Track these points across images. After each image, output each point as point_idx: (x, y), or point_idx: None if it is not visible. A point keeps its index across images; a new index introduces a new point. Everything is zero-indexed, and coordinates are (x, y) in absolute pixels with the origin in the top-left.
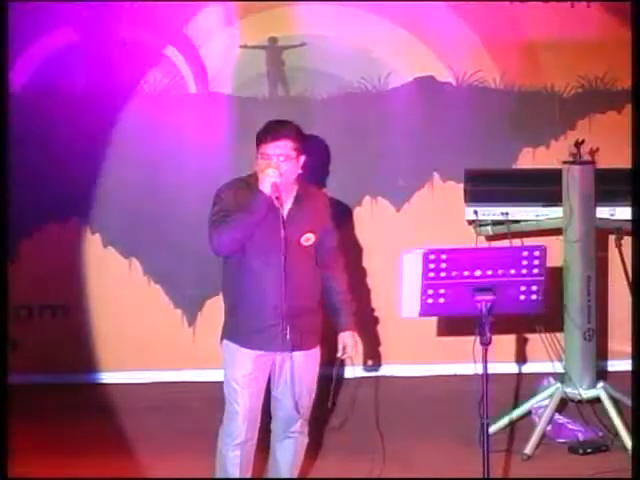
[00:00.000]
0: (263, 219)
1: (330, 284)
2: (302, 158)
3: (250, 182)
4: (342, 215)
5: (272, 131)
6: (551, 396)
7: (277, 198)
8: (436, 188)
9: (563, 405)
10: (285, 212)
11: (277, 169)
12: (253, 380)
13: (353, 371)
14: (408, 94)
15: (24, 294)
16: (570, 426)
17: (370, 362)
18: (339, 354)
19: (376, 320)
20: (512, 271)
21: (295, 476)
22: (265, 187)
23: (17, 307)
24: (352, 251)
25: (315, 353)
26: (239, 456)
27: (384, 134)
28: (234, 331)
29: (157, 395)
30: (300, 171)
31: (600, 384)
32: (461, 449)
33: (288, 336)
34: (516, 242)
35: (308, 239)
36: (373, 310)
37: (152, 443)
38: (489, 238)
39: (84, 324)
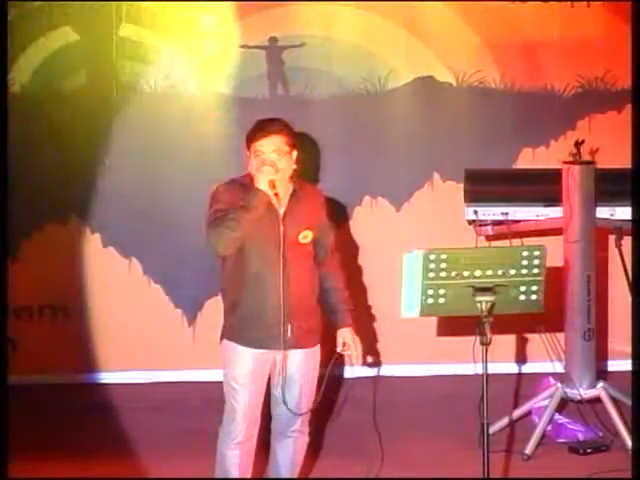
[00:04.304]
0: (261, 217)
1: (328, 282)
2: (295, 153)
3: (245, 182)
4: (339, 214)
5: (264, 128)
6: (551, 396)
7: (275, 195)
8: (436, 188)
9: (563, 405)
10: (282, 210)
11: (273, 166)
12: (253, 379)
13: (352, 371)
14: (408, 94)
15: (24, 294)
16: (570, 426)
17: (370, 359)
18: (338, 349)
19: (376, 320)
20: (512, 271)
21: (295, 476)
22: (262, 184)
23: (17, 307)
24: (352, 251)
25: (315, 352)
26: (239, 455)
27: (384, 134)
28: (234, 330)
29: (157, 395)
30: (294, 166)
31: (600, 384)
32: (461, 449)
33: (289, 334)
34: (516, 242)
35: (306, 236)
36: (372, 309)
37: (152, 443)
38: (489, 238)
39: (84, 324)
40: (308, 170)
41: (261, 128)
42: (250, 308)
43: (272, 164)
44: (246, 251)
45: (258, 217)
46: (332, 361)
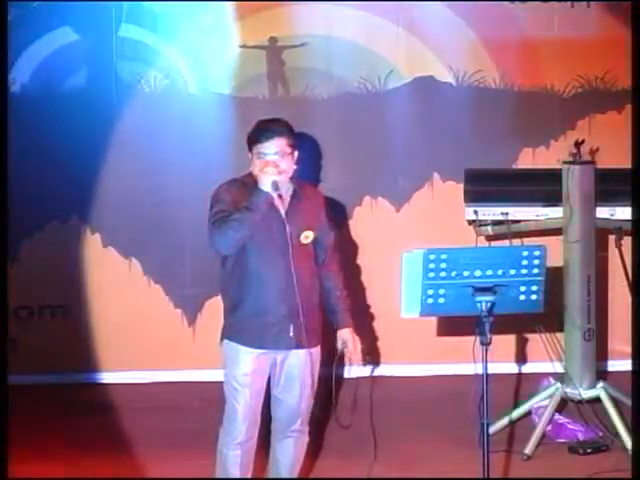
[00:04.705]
0: (263, 217)
1: (327, 282)
2: (296, 153)
3: (247, 182)
4: (339, 214)
5: (266, 130)
6: (551, 396)
7: (279, 196)
8: (436, 188)
9: (563, 405)
10: (283, 210)
11: (276, 167)
12: (253, 379)
13: (352, 371)
14: (408, 94)
15: (24, 294)
16: (570, 426)
17: (368, 358)
18: (339, 349)
19: (376, 320)
20: (512, 271)
21: (295, 476)
22: (266, 186)
23: (17, 307)
24: (352, 251)
25: (316, 352)
26: (239, 455)
27: (384, 134)
28: (235, 330)
29: (157, 395)
30: (295, 166)
31: (600, 384)
32: (461, 449)
33: (291, 334)
34: (516, 242)
35: (307, 237)
36: (372, 309)
37: (152, 443)
38: (489, 238)
39: (84, 324)
40: (308, 170)
41: (263, 130)
42: (252, 308)
43: (275, 165)
44: (247, 251)
45: (262, 217)
46: (335, 362)
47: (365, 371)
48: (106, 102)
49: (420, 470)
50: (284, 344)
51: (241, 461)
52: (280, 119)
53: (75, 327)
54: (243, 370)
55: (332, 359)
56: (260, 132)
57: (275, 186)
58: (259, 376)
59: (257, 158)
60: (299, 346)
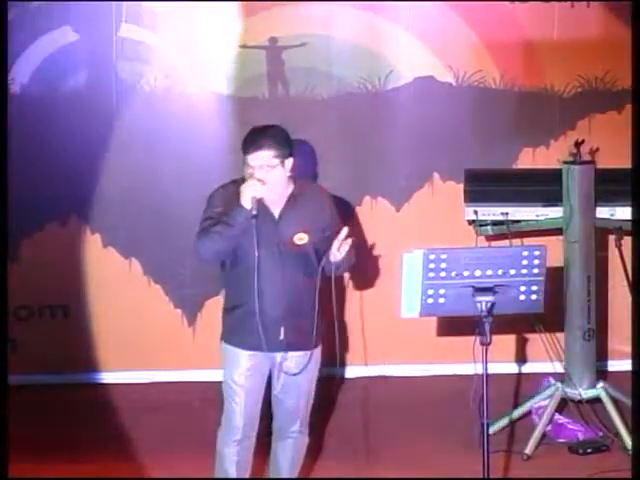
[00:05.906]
0: (257, 221)
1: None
2: (289, 161)
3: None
4: (344, 213)
5: (252, 141)
6: (551, 396)
7: (255, 216)
8: (436, 188)
9: (563, 405)
10: (277, 213)
11: (259, 180)
12: (250, 378)
13: (353, 371)
14: (408, 94)
15: (24, 294)
16: (570, 426)
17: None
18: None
19: (376, 320)
20: (512, 271)
21: (295, 476)
22: (246, 202)
23: (17, 307)
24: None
25: (313, 353)
26: (236, 454)
27: (384, 134)
28: (230, 331)
29: (157, 395)
30: (289, 174)
31: (600, 384)
32: (461, 449)
33: (282, 337)
34: (516, 242)
35: (301, 238)
36: (373, 309)
37: (152, 443)
38: (489, 238)
39: (84, 324)
40: (308, 170)
41: (250, 141)
42: (244, 310)
43: (258, 179)
44: (242, 252)
45: (242, 231)
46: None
47: (365, 371)
48: (106, 102)
49: (420, 470)
50: (274, 347)
51: (238, 459)
52: (273, 127)
53: (75, 327)
54: (239, 370)
55: (332, 360)
56: (248, 142)
57: (255, 203)
58: (256, 376)
59: (246, 169)
60: (292, 348)
